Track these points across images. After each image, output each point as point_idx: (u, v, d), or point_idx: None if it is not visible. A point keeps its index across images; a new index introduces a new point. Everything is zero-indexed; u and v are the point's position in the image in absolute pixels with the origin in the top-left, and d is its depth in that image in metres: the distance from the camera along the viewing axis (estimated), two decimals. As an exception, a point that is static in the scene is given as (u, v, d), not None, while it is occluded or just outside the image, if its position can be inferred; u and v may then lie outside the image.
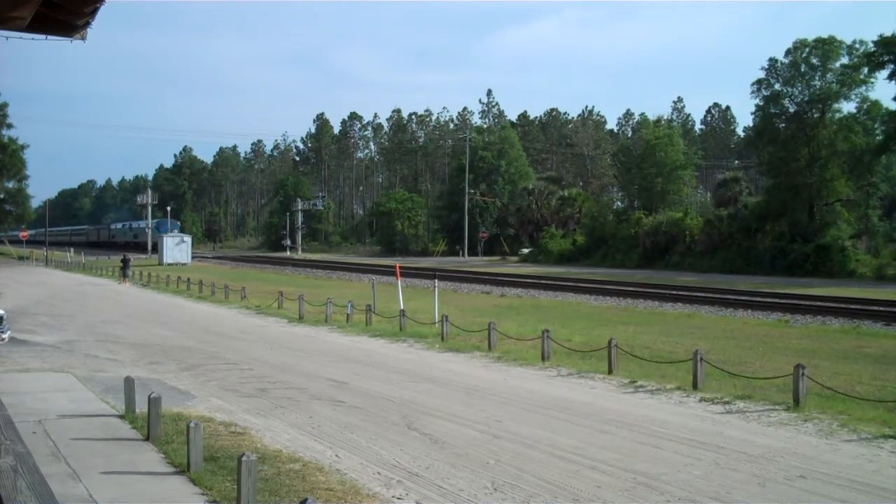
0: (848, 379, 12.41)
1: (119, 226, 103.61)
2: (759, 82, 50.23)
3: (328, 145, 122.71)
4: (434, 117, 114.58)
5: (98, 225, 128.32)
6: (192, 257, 60.57)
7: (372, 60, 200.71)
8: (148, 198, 75.00)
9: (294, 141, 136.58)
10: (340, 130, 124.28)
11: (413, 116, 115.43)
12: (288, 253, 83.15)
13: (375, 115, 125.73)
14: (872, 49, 42.51)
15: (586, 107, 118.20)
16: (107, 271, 46.23)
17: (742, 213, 52.96)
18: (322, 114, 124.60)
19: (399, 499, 6.90)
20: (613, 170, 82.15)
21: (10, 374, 12.85)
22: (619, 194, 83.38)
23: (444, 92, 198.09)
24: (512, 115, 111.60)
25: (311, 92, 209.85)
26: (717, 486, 7.16)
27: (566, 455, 8.19)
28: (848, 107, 48.32)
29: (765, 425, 9.56)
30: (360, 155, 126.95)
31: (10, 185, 62.50)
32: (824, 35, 47.16)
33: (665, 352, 15.28)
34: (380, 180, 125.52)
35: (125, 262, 43.07)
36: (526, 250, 71.94)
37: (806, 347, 16.17)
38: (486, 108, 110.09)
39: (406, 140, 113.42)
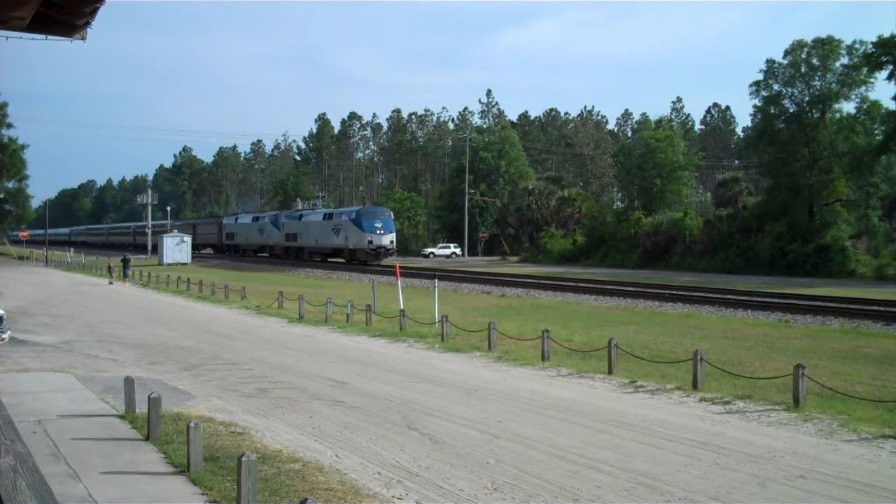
0: (848, 379, 12.41)
1: (248, 219, 72.16)
2: (757, 83, 50.26)
3: (328, 145, 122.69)
4: (434, 117, 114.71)
5: (192, 219, 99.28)
6: (193, 257, 60.56)
7: (372, 60, 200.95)
8: (148, 198, 75.04)
9: (294, 141, 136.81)
10: (340, 130, 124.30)
11: (413, 116, 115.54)
12: None
13: (375, 115, 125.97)
14: (871, 50, 42.50)
15: (586, 107, 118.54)
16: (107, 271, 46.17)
17: (742, 213, 52.98)
18: (324, 114, 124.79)
19: (399, 499, 6.90)
20: (613, 170, 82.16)
21: (10, 374, 12.85)
22: (619, 194, 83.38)
23: (444, 92, 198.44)
24: (512, 115, 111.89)
25: (311, 92, 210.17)
26: (717, 486, 7.16)
27: (566, 455, 8.19)
28: (848, 107, 48.39)
29: (765, 425, 9.56)
30: (359, 155, 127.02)
31: (10, 185, 62.48)
32: (823, 35, 47.26)
33: (665, 352, 15.28)
34: (380, 180, 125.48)
35: (125, 262, 43.22)
36: (436, 249, 72.53)
37: (806, 347, 16.16)
38: (485, 108, 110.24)
39: (406, 140, 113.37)
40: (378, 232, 51.36)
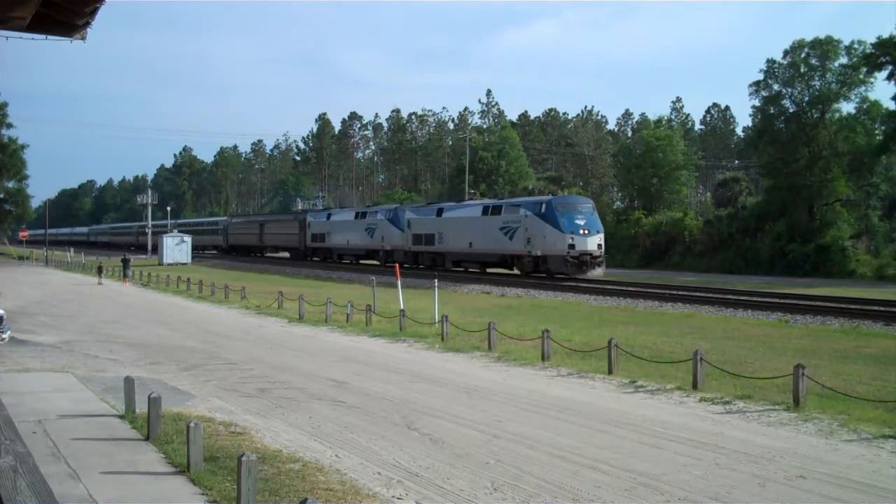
0: (848, 379, 12.40)
1: (348, 215, 54.27)
2: (757, 83, 50.25)
3: (329, 145, 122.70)
4: (434, 117, 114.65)
5: (260, 215, 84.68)
6: (192, 257, 60.59)
7: (372, 60, 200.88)
8: (148, 198, 75.16)
9: (294, 141, 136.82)
10: (340, 130, 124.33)
11: (413, 116, 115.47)
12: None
13: (376, 115, 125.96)
14: (871, 50, 42.49)
15: (586, 107, 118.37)
16: (107, 271, 46.15)
17: (742, 213, 52.94)
18: (324, 114, 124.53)
19: (399, 499, 6.90)
20: (613, 170, 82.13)
21: (10, 374, 12.85)
22: (619, 194, 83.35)
23: (444, 92, 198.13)
24: (512, 115, 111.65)
25: (311, 92, 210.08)
26: (717, 487, 7.16)
27: (566, 455, 8.19)
28: (848, 107, 48.35)
29: (765, 425, 9.56)
30: (360, 155, 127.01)
31: (11, 185, 62.57)
32: (823, 36, 47.23)
33: (665, 352, 15.27)
34: (380, 180, 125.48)
35: (125, 262, 43.28)
36: None
37: (806, 347, 16.15)
38: (485, 108, 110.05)
39: (406, 140, 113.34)
40: (581, 232, 34.85)
